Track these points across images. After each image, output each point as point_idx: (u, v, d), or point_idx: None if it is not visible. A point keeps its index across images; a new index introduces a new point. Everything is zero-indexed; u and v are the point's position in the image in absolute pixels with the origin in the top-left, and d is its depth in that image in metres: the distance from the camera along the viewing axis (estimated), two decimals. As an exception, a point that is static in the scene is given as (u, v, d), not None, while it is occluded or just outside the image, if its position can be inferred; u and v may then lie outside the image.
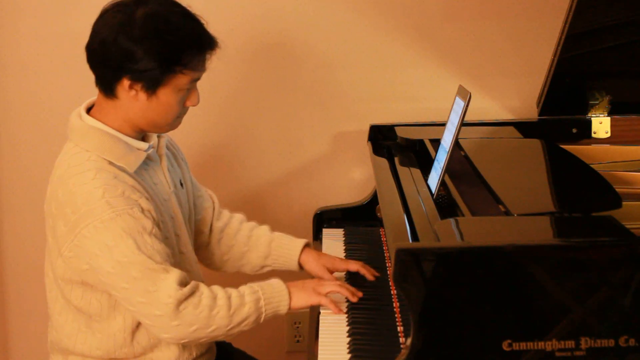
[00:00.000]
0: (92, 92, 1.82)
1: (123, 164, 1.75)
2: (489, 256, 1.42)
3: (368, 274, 1.94)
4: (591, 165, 1.93)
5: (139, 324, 1.79)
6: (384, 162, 2.23)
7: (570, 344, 1.41)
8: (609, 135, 2.33)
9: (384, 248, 2.11)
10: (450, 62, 2.53)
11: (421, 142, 2.24)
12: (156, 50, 1.70)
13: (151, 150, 1.82)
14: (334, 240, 2.24)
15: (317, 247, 2.23)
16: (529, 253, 1.43)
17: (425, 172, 2.02)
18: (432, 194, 1.85)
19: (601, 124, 2.33)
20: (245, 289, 1.77)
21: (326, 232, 2.30)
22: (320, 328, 1.79)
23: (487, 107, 2.54)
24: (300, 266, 2.03)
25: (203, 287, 1.73)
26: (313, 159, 2.62)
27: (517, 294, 1.42)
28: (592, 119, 2.33)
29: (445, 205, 1.84)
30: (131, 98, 1.74)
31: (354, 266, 1.97)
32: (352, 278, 2.00)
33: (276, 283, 1.80)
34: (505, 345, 1.41)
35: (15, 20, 2.52)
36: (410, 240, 1.64)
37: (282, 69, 2.55)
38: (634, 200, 1.81)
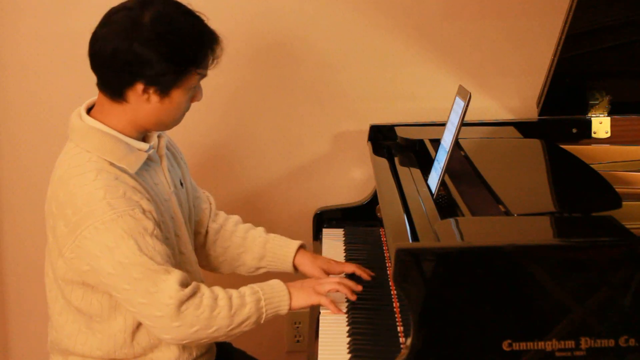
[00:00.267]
0: (92, 92, 1.82)
1: (124, 164, 1.75)
2: (489, 256, 1.42)
3: (364, 274, 1.94)
4: (591, 165, 1.93)
5: (139, 325, 1.79)
6: (384, 162, 2.23)
7: (570, 344, 1.41)
8: (609, 135, 2.33)
9: (384, 248, 2.11)
10: (450, 62, 2.53)
11: (421, 142, 2.24)
12: (171, 54, 1.70)
13: (152, 150, 1.82)
14: (334, 241, 2.24)
15: (317, 247, 2.24)
16: (529, 253, 1.43)
17: (425, 172, 2.02)
18: (432, 194, 1.85)
19: (601, 124, 2.33)
20: (245, 289, 1.78)
21: (326, 232, 2.30)
22: (320, 328, 1.79)
23: (487, 107, 2.54)
24: (295, 268, 2.03)
25: (204, 288, 1.73)
26: (313, 158, 2.62)
27: (517, 294, 1.42)
28: (592, 119, 2.33)
29: (445, 205, 1.84)
30: (142, 101, 1.74)
31: (350, 268, 1.96)
32: (351, 278, 2.00)
33: (276, 284, 1.81)
34: (505, 345, 1.41)
35: (15, 20, 2.52)
36: (410, 240, 1.64)
37: (282, 69, 2.55)
38: (634, 200, 1.81)
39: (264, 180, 2.63)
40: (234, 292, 1.75)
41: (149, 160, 1.82)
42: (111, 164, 1.74)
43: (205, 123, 2.57)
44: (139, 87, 1.72)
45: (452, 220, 1.60)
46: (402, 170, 2.12)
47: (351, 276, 1.95)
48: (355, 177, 2.62)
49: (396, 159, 2.23)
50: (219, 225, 2.08)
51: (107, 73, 1.74)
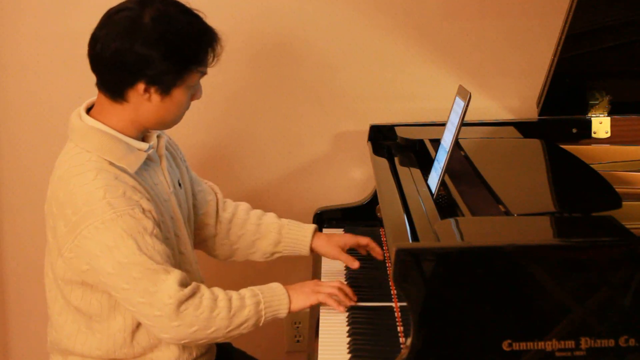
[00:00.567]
0: (92, 92, 1.82)
1: (124, 164, 1.75)
2: (489, 256, 1.42)
3: (377, 248, 2.02)
4: (591, 165, 1.93)
5: (139, 324, 1.79)
6: (384, 162, 2.23)
7: (570, 344, 1.41)
8: (609, 135, 2.33)
9: (384, 248, 2.11)
10: (450, 62, 2.53)
11: (421, 142, 2.24)
12: (172, 53, 1.70)
13: (151, 150, 1.82)
14: (334, 240, 2.23)
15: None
16: (529, 253, 1.43)
17: (425, 172, 2.02)
18: (432, 194, 1.85)
19: (601, 124, 2.33)
20: (245, 291, 1.78)
21: (326, 232, 2.30)
22: (320, 328, 1.79)
23: (487, 107, 2.54)
24: (311, 250, 2.06)
25: (204, 289, 1.73)
26: (313, 158, 2.62)
27: (517, 294, 1.42)
28: (592, 119, 2.33)
29: (445, 205, 1.84)
30: (143, 101, 1.74)
31: (364, 240, 2.04)
32: (353, 278, 2.00)
33: (276, 287, 1.81)
34: (505, 345, 1.41)
35: (15, 20, 2.52)
36: (410, 240, 1.64)
37: (282, 69, 2.55)
38: (634, 200, 1.81)
39: (263, 180, 2.63)
40: (233, 294, 1.76)
41: (148, 160, 1.82)
42: (111, 163, 1.74)
43: (205, 123, 2.57)
44: (141, 87, 1.72)
45: (452, 220, 1.60)
46: (402, 170, 2.12)
47: (356, 275, 1.97)
48: (355, 177, 2.62)
49: (396, 159, 2.23)
50: (231, 213, 2.09)
51: (108, 73, 1.74)
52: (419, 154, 2.22)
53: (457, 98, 1.88)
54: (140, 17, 1.70)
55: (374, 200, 2.33)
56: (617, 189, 1.73)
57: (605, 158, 2.17)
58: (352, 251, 2.08)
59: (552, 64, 2.18)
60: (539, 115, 2.34)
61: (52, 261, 1.80)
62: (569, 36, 2.08)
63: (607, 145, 2.28)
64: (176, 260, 1.83)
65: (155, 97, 1.74)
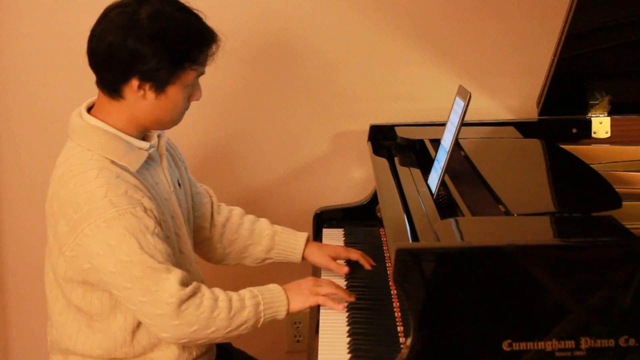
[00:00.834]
0: (92, 92, 1.82)
1: (125, 163, 1.75)
2: (489, 256, 1.42)
3: (366, 263, 2.02)
4: (591, 165, 1.93)
5: (139, 324, 1.79)
6: (384, 162, 2.23)
7: (570, 344, 1.41)
8: (609, 135, 2.33)
9: (384, 248, 2.11)
10: (450, 62, 2.53)
11: (421, 142, 2.24)
12: (165, 49, 1.71)
13: (152, 149, 1.83)
14: (334, 241, 2.24)
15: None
16: (529, 253, 1.43)
17: (425, 172, 2.02)
18: (432, 194, 1.85)
19: (601, 124, 2.33)
20: (245, 292, 1.78)
21: (326, 232, 2.30)
22: (320, 328, 1.79)
23: (487, 107, 2.54)
24: (303, 258, 2.07)
25: (204, 289, 1.74)
26: (313, 158, 2.62)
27: (517, 294, 1.42)
28: (592, 119, 2.33)
29: (445, 205, 1.84)
30: (139, 98, 1.74)
31: (355, 255, 2.05)
32: (353, 278, 2.00)
33: (275, 288, 1.82)
34: (505, 345, 1.41)
35: (15, 20, 2.52)
36: (410, 240, 1.64)
37: (282, 69, 2.55)
38: (634, 200, 1.81)
39: (263, 180, 2.63)
40: (234, 295, 1.76)
41: (149, 159, 1.82)
42: (112, 162, 1.74)
43: (205, 123, 2.57)
44: (134, 82, 1.72)
45: (452, 220, 1.60)
46: (402, 170, 2.12)
47: (355, 273, 1.98)
48: (355, 177, 2.62)
49: (396, 159, 2.23)
50: (225, 217, 2.09)
51: (103, 69, 1.75)
52: (419, 154, 2.22)
53: (457, 98, 1.88)
54: (136, 13, 1.71)
55: (374, 200, 2.33)
56: (617, 189, 1.73)
57: (605, 158, 2.17)
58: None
59: (552, 64, 2.18)
60: (539, 115, 2.34)
61: (52, 261, 1.80)
62: (569, 36, 2.08)
63: (607, 145, 2.28)
64: (177, 259, 1.83)
65: (150, 94, 1.74)
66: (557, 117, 2.34)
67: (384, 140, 2.39)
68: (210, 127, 2.59)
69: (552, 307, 1.42)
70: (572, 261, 1.43)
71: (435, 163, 1.93)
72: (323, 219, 2.35)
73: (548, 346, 1.41)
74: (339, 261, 2.05)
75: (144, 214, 1.71)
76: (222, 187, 2.54)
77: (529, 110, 2.47)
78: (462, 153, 2.04)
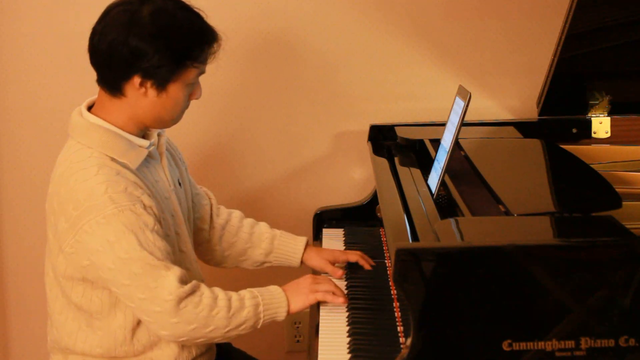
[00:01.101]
0: (92, 91, 1.82)
1: (125, 160, 1.76)
2: (489, 256, 1.42)
3: (366, 264, 2.02)
4: (591, 165, 1.93)
5: (139, 322, 1.79)
6: (384, 162, 2.23)
7: (570, 344, 1.41)
8: (609, 135, 2.33)
9: (384, 248, 2.11)
10: (451, 62, 2.53)
11: (421, 142, 2.24)
12: (167, 47, 1.71)
13: (152, 147, 1.83)
14: (334, 241, 2.24)
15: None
16: (529, 253, 1.43)
17: (425, 172, 2.02)
18: (432, 194, 1.85)
19: (601, 124, 2.33)
20: (245, 293, 1.78)
21: (326, 232, 2.30)
22: (320, 328, 1.79)
23: (487, 107, 2.54)
24: (301, 262, 2.08)
25: (204, 287, 1.74)
26: (313, 158, 2.62)
27: (517, 294, 1.42)
28: (592, 119, 2.33)
29: (445, 205, 1.84)
30: (140, 95, 1.75)
31: (353, 257, 2.04)
32: (353, 278, 2.00)
33: (275, 290, 1.82)
34: (505, 345, 1.41)
35: (15, 20, 2.52)
36: (410, 240, 1.64)
37: (282, 69, 2.55)
38: (634, 200, 1.81)
39: (263, 180, 2.63)
40: (233, 294, 1.76)
41: (149, 158, 1.83)
42: (112, 159, 1.75)
43: (205, 122, 2.57)
44: (136, 80, 1.73)
45: (452, 220, 1.60)
46: (402, 170, 2.12)
47: (355, 273, 1.98)
48: (355, 177, 2.62)
49: (396, 159, 2.23)
50: (224, 220, 2.09)
51: (104, 67, 1.75)
52: (419, 154, 2.22)
53: (457, 98, 1.88)
54: (138, 11, 1.72)
55: (374, 200, 2.33)
56: (617, 189, 1.73)
57: (605, 158, 2.17)
58: (352, 248, 2.09)
59: (552, 64, 2.18)
60: (539, 115, 2.34)
61: (52, 259, 1.80)
62: (569, 36, 2.09)
63: (607, 145, 2.28)
64: (177, 258, 1.83)
65: (152, 92, 1.74)
66: (557, 117, 2.34)
67: (384, 140, 2.39)
68: (210, 127, 2.59)
69: (552, 307, 1.42)
70: (572, 261, 1.43)
71: (435, 163, 1.93)
72: (323, 219, 2.35)
73: (548, 346, 1.41)
74: (337, 265, 2.05)
75: (144, 211, 1.71)
76: (222, 187, 2.54)
77: (529, 110, 2.47)
78: (462, 153, 2.04)
